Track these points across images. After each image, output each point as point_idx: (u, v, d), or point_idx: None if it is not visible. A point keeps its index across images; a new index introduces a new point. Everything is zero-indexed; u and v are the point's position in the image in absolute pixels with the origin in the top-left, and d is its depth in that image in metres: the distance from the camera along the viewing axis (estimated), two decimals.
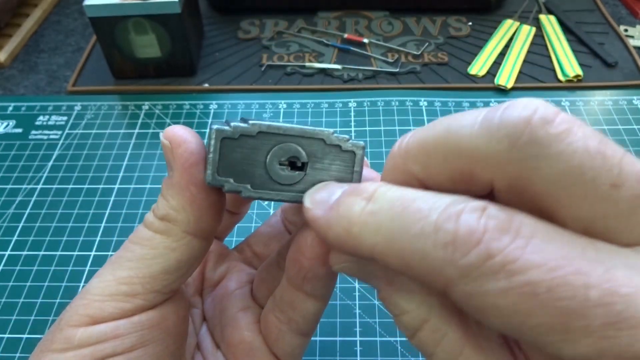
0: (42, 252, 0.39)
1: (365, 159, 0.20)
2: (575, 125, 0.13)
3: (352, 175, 0.18)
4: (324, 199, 0.16)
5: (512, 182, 0.13)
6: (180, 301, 0.20)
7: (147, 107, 0.51)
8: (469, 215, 0.12)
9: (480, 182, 0.14)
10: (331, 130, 0.18)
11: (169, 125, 0.49)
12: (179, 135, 0.18)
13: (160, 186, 0.43)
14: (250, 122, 0.17)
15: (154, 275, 0.18)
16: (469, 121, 0.14)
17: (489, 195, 0.14)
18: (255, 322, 0.22)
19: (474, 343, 0.15)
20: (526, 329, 0.12)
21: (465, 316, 0.15)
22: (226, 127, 0.17)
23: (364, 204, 0.15)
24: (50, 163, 0.46)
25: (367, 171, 0.20)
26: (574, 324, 0.11)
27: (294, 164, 0.18)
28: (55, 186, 0.44)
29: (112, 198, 0.43)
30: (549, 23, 0.59)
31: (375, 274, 0.16)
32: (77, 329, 0.18)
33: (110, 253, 0.39)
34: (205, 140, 0.18)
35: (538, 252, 0.12)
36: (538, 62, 0.54)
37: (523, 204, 0.13)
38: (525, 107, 0.13)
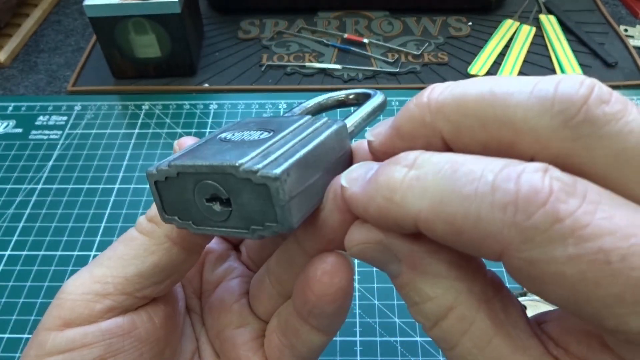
0: (42, 252, 0.39)
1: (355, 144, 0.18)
2: (629, 105, 0.12)
3: (275, 214, 0.15)
4: (360, 175, 0.15)
5: (558, 160, 0.12)
6: (156, 308, 0.20)
7: (147, 107, 0.51)
8: (531, 175, 0.11)
9: (519, 156, 0.13)
10: (250, 155, 0.15)
11: (169, 125, 0.49)
12: (187, 139, 0.19)
13: None
14: (172, 162, 0.16)
15: (128, 276, 0.18)
16: (517, 89, 0.13)
17: None
18: (254, 338, 0.21)
19: (504, 332, 0.13)
20: (591, 300, 0.11)
21: (493, 304, 0.14)
22: (154, 171, 0.17)
23: (405, 170, 0.13)
24: (50, 163, 0.46)
25: (357, 144, 0.18)
26: None
27: (222, 200, 0.16)
28: (55, 186, 0.44)
29: (112, 198, 0.43)
30: (549, 23, 0.59)
31: (397, 256, 0.15)
32: (50, 333, 0.18)
33: None
34: None
35: (608, 218, 0.11)
36: (538, 62, 0.54)
37: None
38: (582, 84, 0.12)
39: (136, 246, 0.18)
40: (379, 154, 0.16)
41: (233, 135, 0.18)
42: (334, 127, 0.18)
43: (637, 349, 0.11)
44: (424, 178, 0.13)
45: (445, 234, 0.12)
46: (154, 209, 0.19)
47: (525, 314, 0.15)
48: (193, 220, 0.17)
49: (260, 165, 0.15)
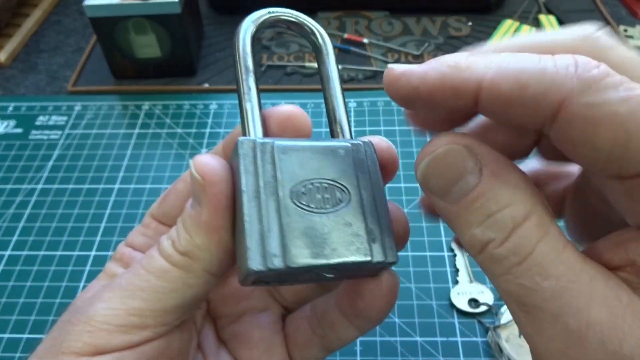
0: (42, 252, 0.39)
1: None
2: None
3: (377, 274, 0.19)
4: (411, 65, 0.16)
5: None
6: (187, 325, 0.20)
7: (147, 107, 0.51)
8: (584, 57, 0.14)
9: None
10: (366, 242, 0.17)
11: (169, 125, 0.49)
12: (214, 172, 0.17)
13: (159, 186, 0.44)
14: (289, 262, 0.16)
15: (167, 309, 0.18)
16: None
17: None
18: (275, 321, 0.23)
19: (572, 243, 0.14)
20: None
21: (556, 224, 0.15)
22: (262, 269, 0.16)
23: (467, 55, 0.15)
24: (51, 163, 0.46)
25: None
26: None
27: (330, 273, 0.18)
28: (55, 186, 0.44)
29: (112, 198, 0.43)
30: (549, 23, 0.59)
31: (481, 162, 0.15)
32: (80, 357, 0.17)
33: (110, 253, 0.39)
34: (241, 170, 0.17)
35: None
36: None
37: None
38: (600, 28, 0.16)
39: (172, 279, 0.18)
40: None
41: (302, 192, 0.17)
42: (375, 158, 0.19)
43: None
44: (490, 54, 0.15)
45: (510, 90, 0.14)
46: (184, 243, 0.18)
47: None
48: (280, 282, 0.18)
49: (384, 258, 0.17)
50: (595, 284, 0.14)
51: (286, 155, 0.18)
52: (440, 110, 0.18)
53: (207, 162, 0.17)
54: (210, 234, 0.17)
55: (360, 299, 0.19)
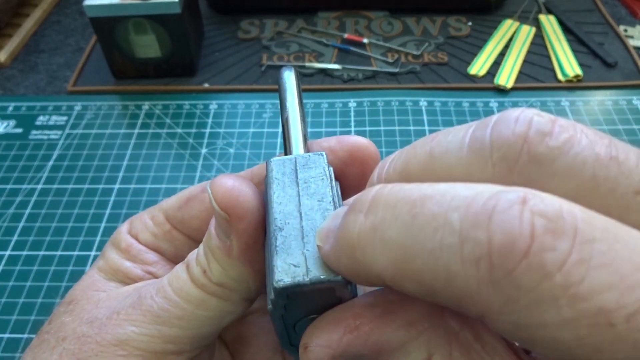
0: (42, 252, 0.39)
1: None
2: (577, 132, 0.11)
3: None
4: (330, 227, 0.13)
5: None
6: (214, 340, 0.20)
7: (147, 107, 0.51)
8: (505, 212, 0.09)
9: None
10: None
11: (169, 125, 0.48)
12: (241, 206, 0.15)
13: (160, 186, 0.43)
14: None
15: (204, 335, 0.17)
16: (454, 144, 0.12)
17: None
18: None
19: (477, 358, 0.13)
20: None
21: (463, 336, 0.13)
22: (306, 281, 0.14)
23: (362, 218, 0.12)
24: (51, 163, 0.46)
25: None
26: None
27: None
28: (55, 186, 0.44)
29: (112, 198, 0.43)
30: (549, 23, 0.59)
31: (362, 354, 0.13)
32: None
33: None
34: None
35: (608, 264, 0.09)
36: (538, 62, 0.54)
37: None
38: (517, 120, 0.11)
39: (210, 308, 0.17)
40: None
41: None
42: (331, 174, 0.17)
43: None
44: (381, 227, 0.11)
45: (419, 293, 0.11)
46: (218, 275, 0.16)
47: (501, 337, 0.13)
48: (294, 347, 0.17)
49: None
50: None
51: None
52: None
53: (229, 189, 0.15)
54: (245, 266, 0.16)
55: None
